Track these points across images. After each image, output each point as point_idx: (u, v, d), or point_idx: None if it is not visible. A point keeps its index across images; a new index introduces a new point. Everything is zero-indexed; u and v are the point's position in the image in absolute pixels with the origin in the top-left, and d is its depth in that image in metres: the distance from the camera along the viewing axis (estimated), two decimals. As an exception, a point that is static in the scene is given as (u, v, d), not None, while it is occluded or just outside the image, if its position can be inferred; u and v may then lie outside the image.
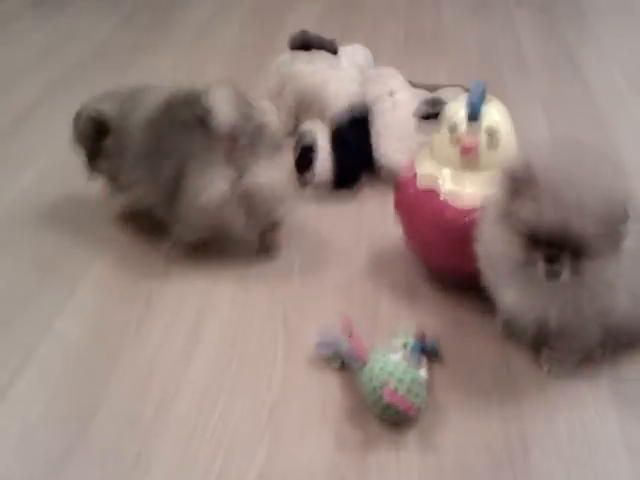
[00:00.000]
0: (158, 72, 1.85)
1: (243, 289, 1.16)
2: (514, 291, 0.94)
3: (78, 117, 1.27)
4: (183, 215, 1.15)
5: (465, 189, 1.05)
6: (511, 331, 1.04)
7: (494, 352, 1.03)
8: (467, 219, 1.02)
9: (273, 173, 1.14)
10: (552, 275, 0.86)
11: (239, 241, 1.23)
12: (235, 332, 1.07)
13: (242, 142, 1.11)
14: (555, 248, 0.85)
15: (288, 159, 1.36)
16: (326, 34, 1.62)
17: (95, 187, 1.32)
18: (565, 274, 0.86)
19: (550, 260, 0.86)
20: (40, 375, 1.00)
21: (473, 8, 2.36)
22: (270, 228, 1.22)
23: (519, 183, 0.86)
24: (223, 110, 1.09)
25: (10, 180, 1.45)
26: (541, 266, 0.86)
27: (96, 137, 1.25)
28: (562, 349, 0.99)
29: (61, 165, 1.46)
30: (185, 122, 1.12)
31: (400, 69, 1.59)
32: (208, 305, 1.13)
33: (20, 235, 1.29)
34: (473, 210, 1.01)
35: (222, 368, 1.01)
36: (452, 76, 1.83)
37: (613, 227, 0.84)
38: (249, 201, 1.13)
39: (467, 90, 1.51)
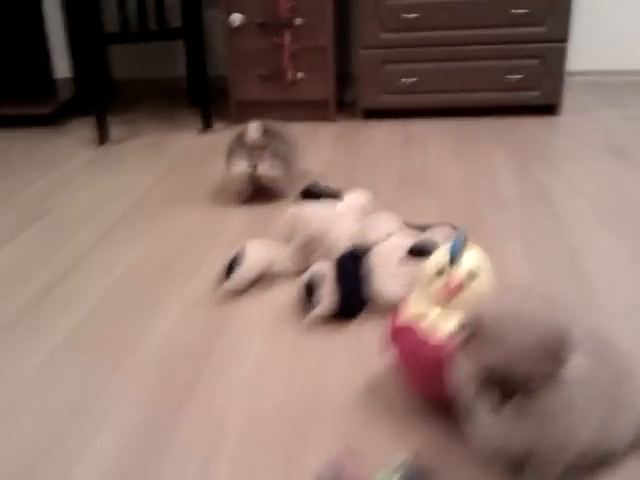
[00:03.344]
0: (185, 223, 1.98)
1: (247, 420, 1.20)
2: (480, 420, 0.99)
3: None
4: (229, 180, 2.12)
5: (447, 325, 1.11)
6: (487, 457, 1.07)
7: (479, 475, 1.05)
8: (441, 354, 1.07)
9: (272, 170, 2.05)
10: (496, 409, 0.94)
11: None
12: (246, 459, 1.11)
13: (259, 151, 2.03)
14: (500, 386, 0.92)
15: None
16: (332, 180, 1.74)
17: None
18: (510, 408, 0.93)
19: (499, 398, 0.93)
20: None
21: (455, 152, 2.52)
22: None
23: (472, 332, 0.94)
24: (250, 132, 2.05)
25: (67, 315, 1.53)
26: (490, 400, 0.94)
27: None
28: (535, 473, 1.01)
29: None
30: (239, 137, 2.11)
31: (395, 209, 1.69)
32: (220, 435, 1.17)
33: (72, 363, 1.36)
34: (448, 345, 1.06)
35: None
36: (440, 213, 1.94)
37: (550, 367, 0.90)
38: (257, 181, 2.06)
39: (454, 227, 1.62)
